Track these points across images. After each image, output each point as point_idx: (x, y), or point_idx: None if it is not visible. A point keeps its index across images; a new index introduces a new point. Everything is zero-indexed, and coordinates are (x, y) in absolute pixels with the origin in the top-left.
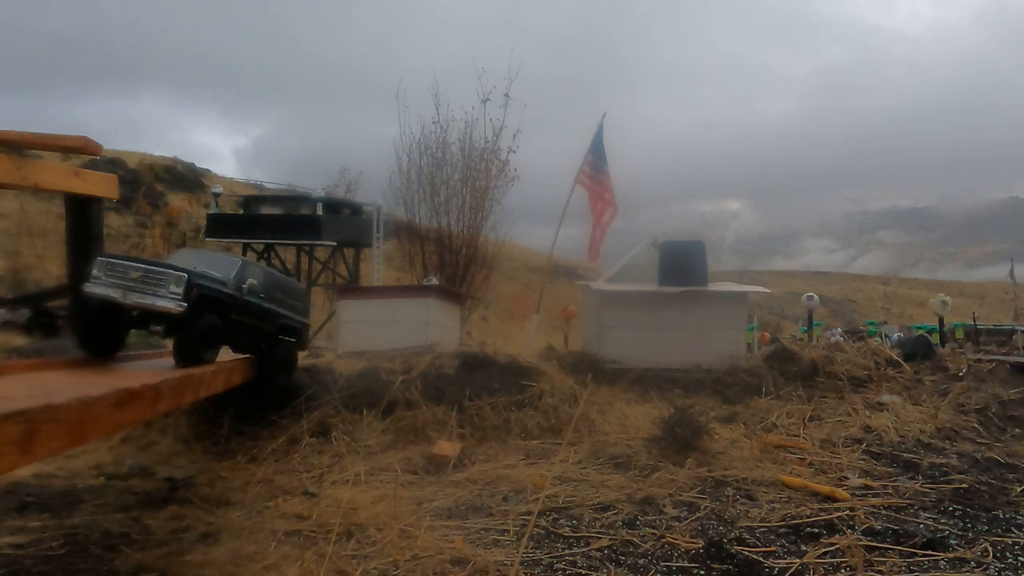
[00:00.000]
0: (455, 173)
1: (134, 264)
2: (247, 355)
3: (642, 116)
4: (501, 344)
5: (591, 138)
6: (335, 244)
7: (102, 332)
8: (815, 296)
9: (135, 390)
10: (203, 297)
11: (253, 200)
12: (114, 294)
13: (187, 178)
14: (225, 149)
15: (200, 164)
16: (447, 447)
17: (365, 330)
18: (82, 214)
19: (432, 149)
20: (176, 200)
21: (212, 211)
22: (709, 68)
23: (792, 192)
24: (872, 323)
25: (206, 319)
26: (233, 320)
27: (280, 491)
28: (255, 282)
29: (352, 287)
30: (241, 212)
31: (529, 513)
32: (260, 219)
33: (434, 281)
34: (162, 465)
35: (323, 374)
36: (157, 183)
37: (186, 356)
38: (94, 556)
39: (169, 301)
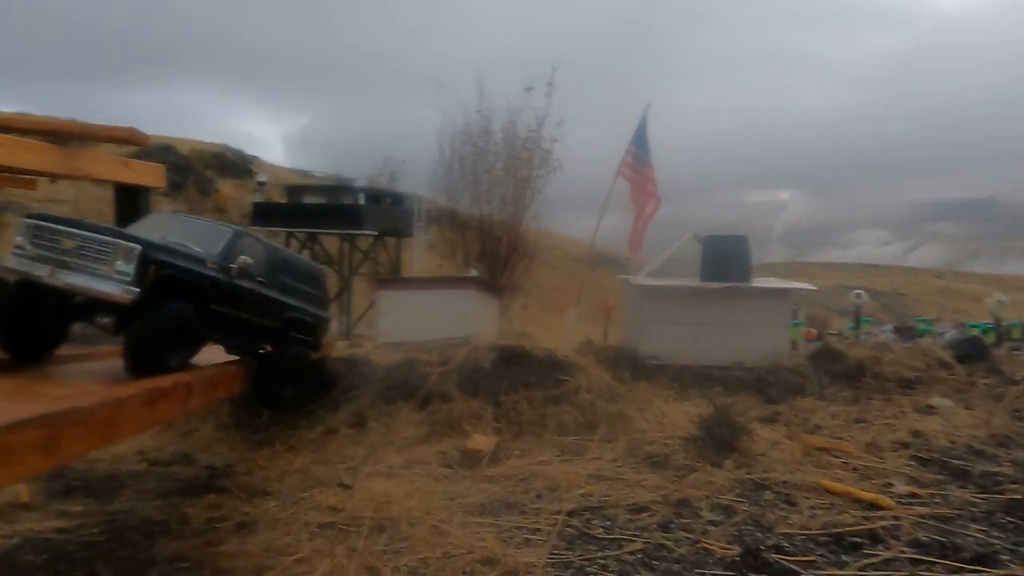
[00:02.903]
0: (498, 162)
1: (68, 229)
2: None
3: (688, 105)
4: (542, 334)
5: (634, 129)
6: (376, 234)
7: (26, 324)
8: (863, 293)
9: (166, 388)
10: (167, 279)
11: (297, 189)
12: (38, 271)
13: (236, 165)
14: (273, 137)
15: (249, 151)
16: (482, 441)
17: (404, 321)
18: (130, 203)
19: (475, 138)
20: (225, 187)
21: (257, 199)
22: (759, 54)
23: (845, 182)
24: (923, 320)
25: (170, 309)
26: (217, 312)
27: (316, 481)
28: (250, 261)
29: (392, 278)
30: (286, 201)
31: (562, 511)
32: (304, 208)
33: (474, 273)
34: (203, 452)
35: (361, 364)
36: (207, 170)
37: (139, 362)
38: (132, 543)
39: (112, 284)
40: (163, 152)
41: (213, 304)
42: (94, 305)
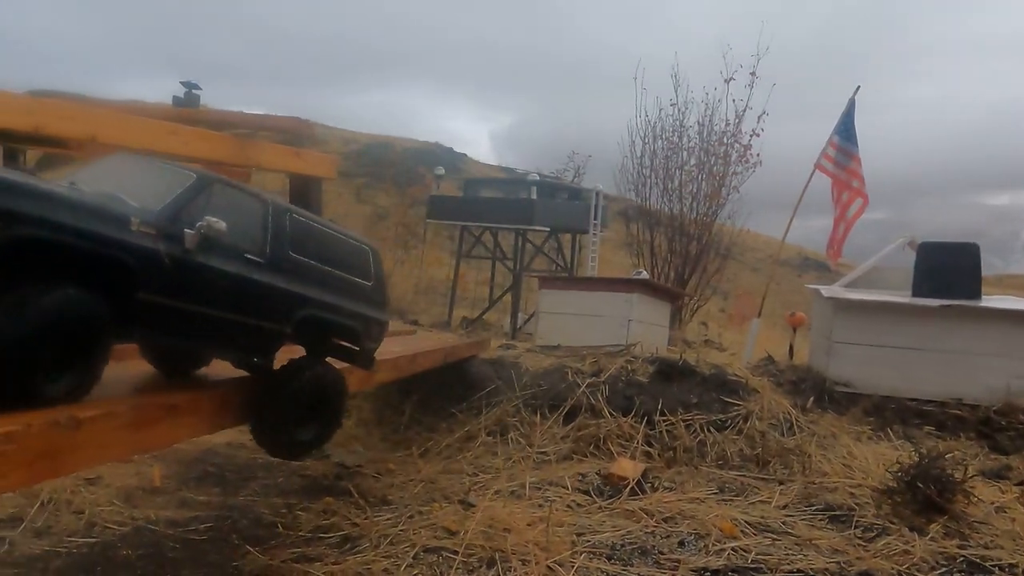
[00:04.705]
0: (691, 158)
1: None
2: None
3: (917, 96)
4: (730, 339)
5: (839, 116)
6: (548, 229)
7: None
8: None
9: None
10: (35, 247)
11: (474, 183)
12: None
13: (446, 161)
14: (481, 135)
15: (458, 149)
16: (627, 467)
17: (563, 323)
18: (303, 193)
19: (668, 133)
20: (429, 181)
21: (434, 192)
22: (1009, 40)
23: None
24: None
25: (37, 299)
26: (152, 304)
27: (439, 494)
28: (221, 226)
29: (554, 276)
30: (461, 195)
31: (706, 569)
32: (478, 202)
33: (644, 274)
34: (339, 447)
35: (508, 368)
36: (419, 166)
37: None
38: (229, 547)
39: None
40: (381, 149)
41: (143, 291)
42: None
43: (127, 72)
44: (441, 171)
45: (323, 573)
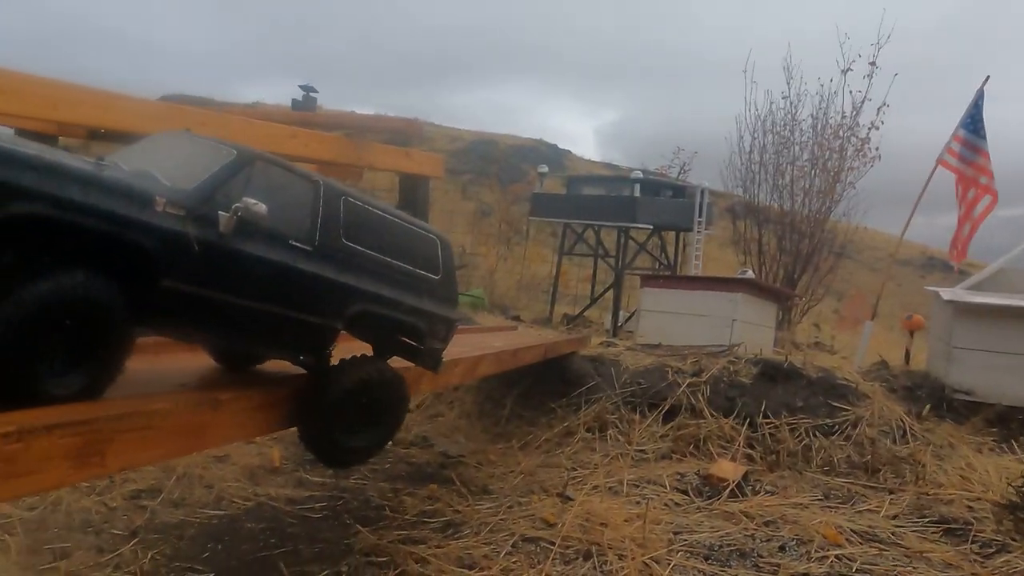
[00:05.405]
0: (804, 153)
1: None
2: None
3: None
4: (843, 342)
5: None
6: (651, 227)
7: None
8: None
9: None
10: (30, 222)
11: (576, 180)
12: None
13: (550, 158)
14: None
15: (562, 145)
16: (728, 468)
17: (665, 322)
18: (412, 192)
19: (779, 127)
20: (533, 178)
21: (537, 190)
22: None
23: None
24: None
25: (37, 285)
26: (178, 293)
27: (538, 487)
28: (260, 209)
29: (656, 274)
30: (564, 192)
31: (807, 575)
32: (580, 199)
33: (749, 274)
34: (443, 438)
35: (608, 366)
36: (523, 163)
37: None
38: (341, 527)
39: None
40: (485, 147)
41: (168, 278)
42: None
43: (249, 75)
44: (544, 169)
45: (427, 555)
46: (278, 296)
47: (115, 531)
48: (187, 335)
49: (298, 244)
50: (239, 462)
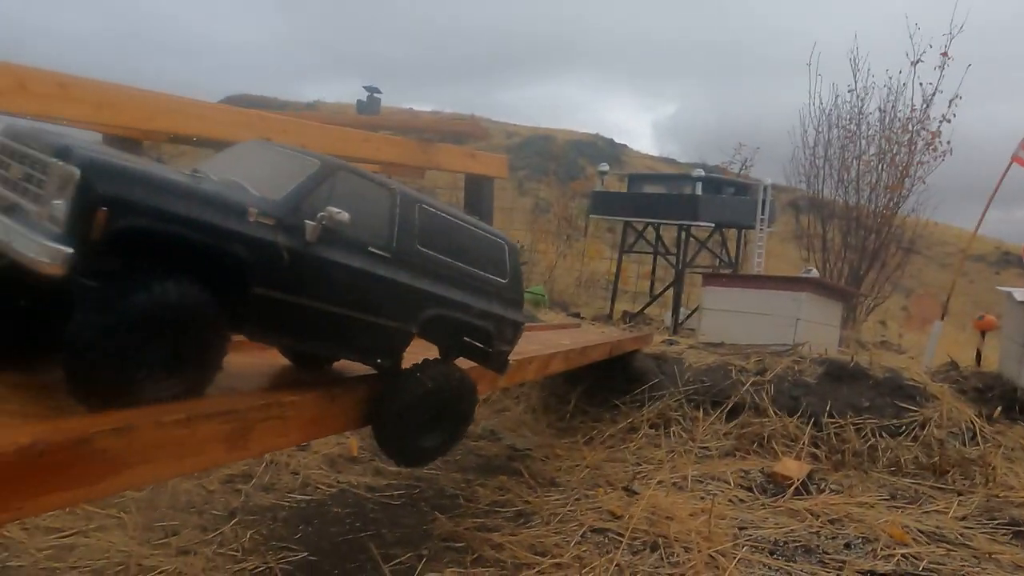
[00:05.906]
0: (870, 147)
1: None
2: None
3: None
4: (911, 341)
5: None
6: (713, 225)
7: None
8: None
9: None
10: (137, 234)
11: (637, 178)
12: None
13: (607, 153)
14: (644, 125)
15: (619, 140)
16: (792, 467)
17: (727, 321)
18: (476, 192)
19: (844, 120)
20: (592, 173)
21: (597, 188)
22: None
23: None
24: None
25: (136, 292)
26: (267, 300)
27: (604, 480)
28: (344, 217)
29: (718, 272)
30: (624, 190)
31: (873, 572)
32: (641, 197)
33: (814, 272)
34: (510, 432)
35: (671, 363)
36: (580, 158)
37: (80, 385)
38: (419, 513)
39: (36, 239)
40: (542, 142)
41: (258, 286)
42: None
43: (307, 74)
44: (605, 168)
45: (502, 541)
46: (358, 302)
47: (215, 512)
48: (272, 339)
49: (377, 251)
50: (320, 451)
